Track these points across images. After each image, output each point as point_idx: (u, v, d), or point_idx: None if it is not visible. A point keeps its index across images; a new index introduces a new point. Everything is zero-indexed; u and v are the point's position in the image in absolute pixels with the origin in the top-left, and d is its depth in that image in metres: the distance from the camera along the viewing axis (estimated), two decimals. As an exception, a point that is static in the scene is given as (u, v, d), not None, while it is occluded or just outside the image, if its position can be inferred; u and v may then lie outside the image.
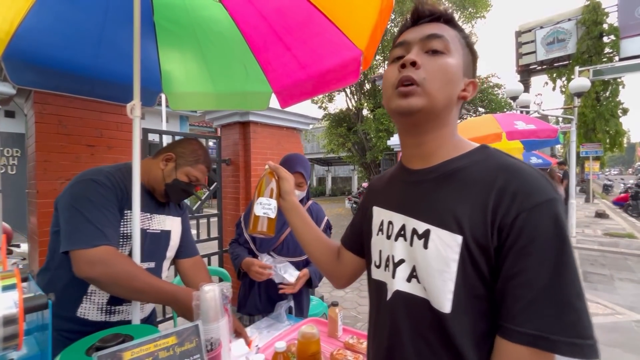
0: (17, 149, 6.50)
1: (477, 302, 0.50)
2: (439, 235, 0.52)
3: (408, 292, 0.57)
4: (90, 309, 1.00)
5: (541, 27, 14.51)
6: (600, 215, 9.49)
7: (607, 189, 21.11)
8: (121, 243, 1.00)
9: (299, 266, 1.54)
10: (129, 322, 1.07)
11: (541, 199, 0.46)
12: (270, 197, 0.81)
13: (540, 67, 15.03)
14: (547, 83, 14.63)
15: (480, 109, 12.22)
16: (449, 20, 0.59)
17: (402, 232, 0.59)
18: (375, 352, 0.64)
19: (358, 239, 0.77)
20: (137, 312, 1.05)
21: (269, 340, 1.19)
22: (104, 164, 1.21)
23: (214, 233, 2.94)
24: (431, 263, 0.52)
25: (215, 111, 2.97)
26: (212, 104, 1.77)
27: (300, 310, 1.56)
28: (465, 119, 10.10)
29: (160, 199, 1.16)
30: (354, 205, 12.01)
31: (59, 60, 1.39)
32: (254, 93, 1.69)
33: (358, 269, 0.81)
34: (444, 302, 0.51)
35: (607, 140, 12.14)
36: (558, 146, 15.59)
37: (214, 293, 0.86)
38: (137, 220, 1.02)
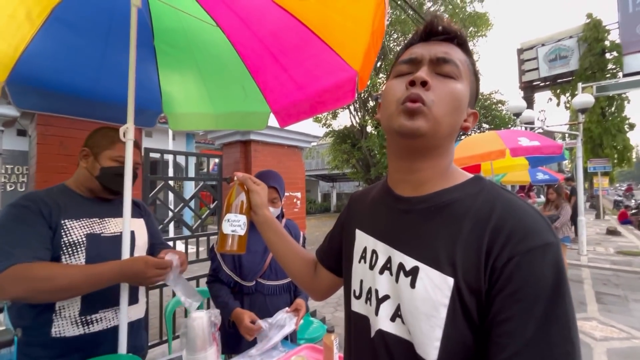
0: (27, 167, 6.67)
1: (465, 351, 0.45)
2: (428, 274, 0.48)
3: (392, 333, 0.52)
4: (64, 325, 0.96)
5: (543, 45, 14.69)
6: (612, 232, 9.25)
7: (618, 204, 20.66)
8: (68, 252, 0.98)
9: (288, 288, 1.49)
10: (112, 329, 1.03)
11: (536, 243, 0.43)
12: (240, 212, 0.74)
13: (543, 84, 15.10)
14: (550, 99, 14.66)
15: (484, 124, 12.23)
16: (462, 44, 0.55)
17: (388, 266, 0.54)
18: None
19: (335, 257, 0.73)
20: (124, 317, 1.01)
21: (262, 368, 1.14)
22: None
23: (214, 252, 2.91)
24: (418, 305, 0.48)
25: (217, 130, 3.01)
26: (211, 124, 1.80)
27: (292, 336, 1.50)
28: (469, 134, 10.11)
29: (105, 196, 1.12)
30: (359, 222, 11.87)
31: (61, 84, 1.42)
32: (252, 113, 1.71)
33: (333, 286, 0.78)
34: (430, 350, 0.46)
35: (615, 156, 11.99)
36: (565, 162, 15.44)
37: (201, 320, 0.83)
38: (127, 225, 1.05)
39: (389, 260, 0.55)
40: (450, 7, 11.12)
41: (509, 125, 11.43)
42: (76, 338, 0.97)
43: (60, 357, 0.95)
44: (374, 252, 0.58)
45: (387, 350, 0.52)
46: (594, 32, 12.69)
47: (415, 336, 0.48)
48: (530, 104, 13.33)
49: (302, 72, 1.42)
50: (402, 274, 0.51)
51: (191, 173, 9.59)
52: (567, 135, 8.61)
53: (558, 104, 14.40)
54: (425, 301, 0.47)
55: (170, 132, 8.42)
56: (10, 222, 0.94)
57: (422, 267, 0.49)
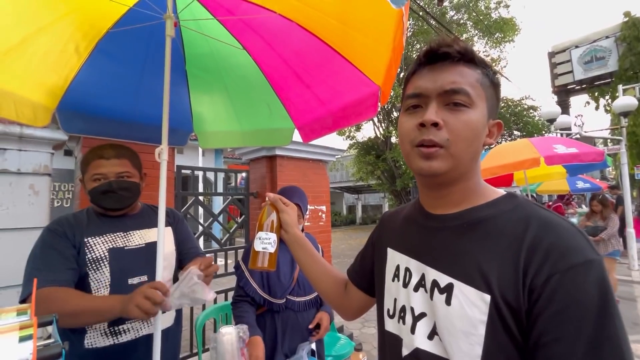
0: (72, 184, 7.16)
1: None
2: (463, 291, 0.48)
3: (430, 352, 0.51)
4: (95, 336, 1.01)
5: (576, 47, 13.99)
6: (667, 244, 8.40)
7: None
8: (93, 268, 1.02)
9: (316, 302, 1.49)
10: (141, 339, 1.06)
11: (578, 260, 0.41)
12: (270, 230, 0.77)
13: (579, 87, 14.30)
14: (588, 103, 13.81)
15: (515, 132, 11.73)
16: (470, 60, 0.52)
17: (423, 283, 0.54)
18: None
19: (367, 276, 0.73)
20: (158, 326, 1.00)
21: (289, 385, 1.14)
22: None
23: (242, 265, 2.96)
24: (455, 322, 0.47)
25: (244, 147, 3.11)
26: (239, 141, 1.87)
27: (320, 352, 1.48)
28: (500, 143, 9.72)
29: (112, 213, 1.14)
30: (385, 235, 11.64)
31: (102, 109, 1.55)
32: (277, 130, 1.77)
33: (364, 306, 0.77)
34: None
35: (666, 161, 11.00)
36: (608, 169, 14.39)
37: (230, 336, 0.85)
38: (161, 244, 1.04)
39: (422, 277, 0.54)
40: (474, 14, 10.94)
41: (543, 132, 10.88)
42: (107, 349, 1.01)
43: None
44: (407, 269, 0.58)
45: None
46: (633, 30, 11.92)
47: (453, 354, 0.47)
48: (565, 108, 12.64)
49: (325, 88, 1.46)
50: (436, 291, 0.51)
51: (219, 188, 9.90)
52: (608, 140, 8.05)
53: (597, 108, 13.52)
54: (462, 318, 0.46)
55: (200, 149, 8.80)
56: (38, 248, 1.02)
57: (457, 283, 0.49)
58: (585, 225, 4.47)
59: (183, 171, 2.56)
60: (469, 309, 0.46)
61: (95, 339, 1.01)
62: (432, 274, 0.52)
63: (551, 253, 0.42)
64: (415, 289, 0.55)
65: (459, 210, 0.54)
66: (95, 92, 1.48)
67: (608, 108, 12.80)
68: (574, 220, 6.74)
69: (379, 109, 1.32)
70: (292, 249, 0.80)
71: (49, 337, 0.56)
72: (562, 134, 6.78)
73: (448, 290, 0.49)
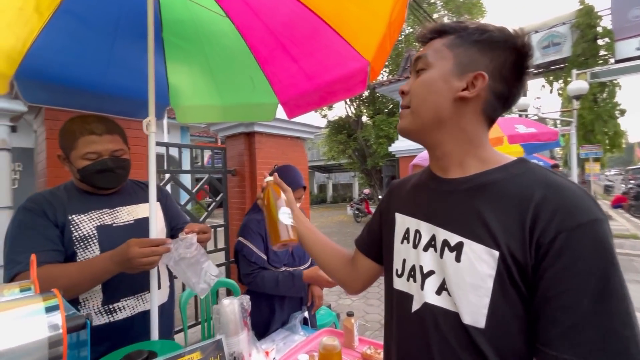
0: (19, 163, 6.54)
1: (514, 320, 0.48)
2: (472, 248, 0.51)
3: (438, 306, 0.55)
4: (90, 315, 0.97)
5: (536, 32, 14.66)
6: (603, 216, 9.45)
7: (608, 189, 21.08)
8: (81, 247, 0.98)
9: None
10: (137, 316, 1.04)
11: (584, 219, 0.43)
12: (287, 206, 0.82)
13: (537, 71, 15.15)
14: (544, 86, 14.73)
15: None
16: (442, 32, 0.59)
17: (433, 243, 0.57)
18: None
19: (376, 245, 0.76)
20: (155, 303, 1.01)
21: (286, 352, 1.19)
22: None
23: (221, 244, 2.94)
24: (464, 277, 0.51)
25: (220, 122, 3.00)
26: (219, 116, 1.79)
27: (313, 320, 1.55)
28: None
29: (104, 192, 1.09)
30: (356, 212, 11.98)
31: (69, 78, 1.41)
32: (260, 104, 1.71)
33: (374, 275, 0.80)
34: (478, 317, 0.49)
35: (607, 142, 12.17)
36: (557, 148, 15.62)
37: (233, 307, 0.86)
38: (153, 220, 1.04)
39: (433, 238, 0.58)
40: (445, -5, 11.05)
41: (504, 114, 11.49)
42: (103, 327, 0.99)
43: (91, 345, 0.96)
44: (417, 232, 0.61)
45: (434, 322, 0.55)
46: (586, 18, 12.69)
47: (462, 306, 0.51)
48: (524, 91, 13.37)
49: (313, 62, 1.42)
50: (446, 249, 0.54)
51: (185, 166, 9.53)
52: (558, 122, 8.71)
53: (551, 91, 14.45)
54: (472, 273, 0.50)
55: (166, 126, 8.32)
56: (16, 229, 0.94)
57: (467, 242, 0.52)
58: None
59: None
60: (478, 265, 0.49)
61: (90, 318, 0.98)
62: (442, 234, 0.56)
63: (558, 212, 0.45)
64: (425, 249, 0.58)
65: (470, 174, 0.57)
66: (60, 58, 1.33)
67: (561, 92, 13.75)
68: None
69: (367, 85, 1.32)
70: (297, 224, 0.82)
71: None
72: (521, 115, 7.22)
73: (458, 248, 0.52)
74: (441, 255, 0.55)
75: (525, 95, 12.72)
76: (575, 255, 0.43)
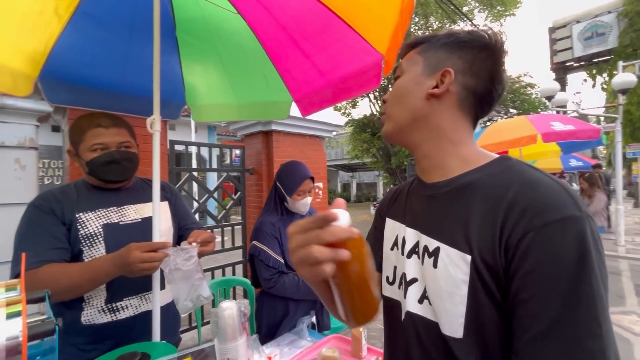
0: (62, 161, 7.02)
1: (490, 328, 0.44)
2: (447, 253, 0.49)
3: (419, 315, 0.53)
4: (93, 313, 0.99)
5: (577, 22, 13.70)
6: (653, 221, 8.68)
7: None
8: (87, 245, 0.98)
9: None
10: (140, 316, 1.05)
11: (554, 217, 0.40)
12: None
13: (577, 64, 14.14)
14: (585, 80, 13.72)
15: (511, 110, 11.66)
16: (415, 44, 0.62)
17: (416, 250, 0.56)
18: None
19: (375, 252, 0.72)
20: (157, 303, 1.01)
21: (290, 358, 1.15)
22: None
23: (238, 242, 2.96)
24: (440, 284, 0.49)
25: (238, 121, 3.02)
26: (234, 114, 1.79)
27: (322, 325, 1.50)
28: (496, 121, 9.65)
29: (111, 186, 1.09)
30: (380, 212, 11.77)
31: (88, 78, 1.45)
32: (274, 102, 1.69)
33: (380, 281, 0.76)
34: (456, 327, 0.46)
35: (658, 140, 11.12)
36: (600, 147, 14.53)
37: (231, 311, 0.83)
38: (156, 218, 1.04)
39: (416, 244, 0.56)
40: (476, -15, 10.55)
41: (539, 110, 10.84)
42: (105, 325, 0.99)
43: (93, 343, 0.98)
44: (404, 238, 0.60)
45: (415, 332, 0.53)
46: (636, 5, 11.63)
47: (440, 315, 0.49)
48: (563, 86, 12.55)
49: (325, 58, 1.38)
50: (426, 255, 0.53)
51: (213, 164, 9.80)
52: (602, 118, 8.06)
53: (594, 86, 13.45)
54: (447, 279, 0.48)
55: (193, 125, 8.60)
56: (24, 226, 0.96)
57: (443, 246, 0.50)
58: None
59: (176, 147, 2.49)
60: (452, 270, 0.47)
61: (93, 316, 0.99)
62: (424, 241, 0.54)
63: (528, 210, 0.42)
64: (409, 256, 0.57)
65: (450, 177, 0.55)
66: (80, 59, 1.38)
67: (605, 86, 12.73)
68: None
69: (383, 80, 1.25)
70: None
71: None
72: (559, 111, 6.75)
73: (435, 253, 0.51)
74: (422, 262, 0.54)
75: (564, 90, 11.93)
76: (542, 257, 0.39)
